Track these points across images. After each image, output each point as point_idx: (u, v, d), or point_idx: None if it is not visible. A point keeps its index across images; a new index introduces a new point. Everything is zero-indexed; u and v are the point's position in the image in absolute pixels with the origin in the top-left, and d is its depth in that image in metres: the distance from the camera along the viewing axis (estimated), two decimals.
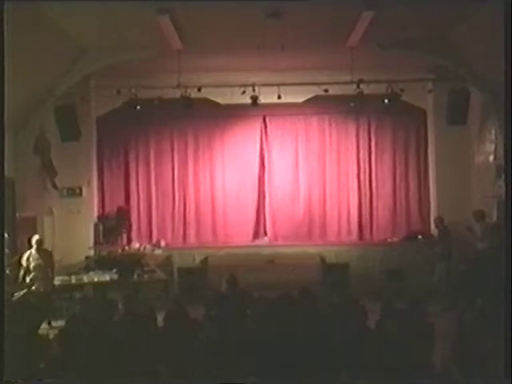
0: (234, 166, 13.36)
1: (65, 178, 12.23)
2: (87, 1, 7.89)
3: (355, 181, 13.28)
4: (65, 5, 8.05)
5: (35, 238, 9.41)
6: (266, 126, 13.37)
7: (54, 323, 9.00)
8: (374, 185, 13.32)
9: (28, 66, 8.87)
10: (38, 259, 9.16)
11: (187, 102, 10.72)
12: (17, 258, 9.29)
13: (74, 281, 9.98)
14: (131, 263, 10.78)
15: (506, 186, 5.73)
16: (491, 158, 11.40)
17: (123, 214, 12.93)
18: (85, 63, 10.50)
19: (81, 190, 12.62)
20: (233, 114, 12.93)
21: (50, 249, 10.02)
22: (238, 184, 13.34)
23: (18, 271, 9.13)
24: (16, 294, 8.55)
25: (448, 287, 10.35)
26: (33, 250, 9.25)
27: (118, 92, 10.76)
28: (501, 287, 5.50)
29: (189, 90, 10.62)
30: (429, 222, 12.83)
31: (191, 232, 13.28)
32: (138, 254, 11.79)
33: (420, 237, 12.51)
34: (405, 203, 13.25)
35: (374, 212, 13.28)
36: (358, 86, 10.51)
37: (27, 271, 9.12)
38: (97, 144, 13.08)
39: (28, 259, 9.17)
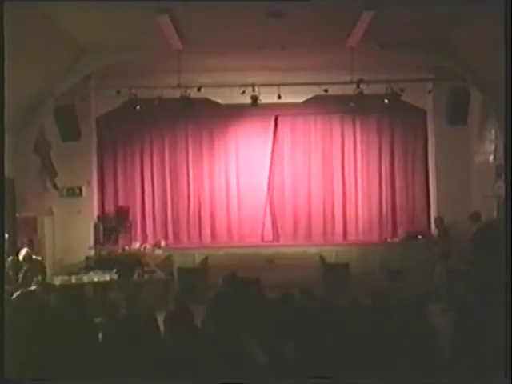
0: (234, 166, 13.39)
1: (65, 178, 12.24)
2: (87, 1, 7.89)
3: (352, 180, 13.33)
4: (65, 5, 8.05)
5: (22, 253, 8.98)
6: (266, 126, 13.37)
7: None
8: (375, 185, 13.34)
9: (28, 66, 8.87)
10: (27, 271, 8.83)
11: (187, 101, 10.73)
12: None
13: (74, 281, 9.97)
14: (131, 263, 10.78)
15: (506, 186, 5.73)
16: (491, 157, 11.39)
17: (123, 213, 12.94)
18: (85, 63, 10.50)
19: (81, 190, 12.62)
20: (233, 114, 12.94)
21: (50, 249, 9.98)
22: (239, 184, 13.36)
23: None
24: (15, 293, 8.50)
25: (448, 287, 10.35)
26: (23, 263, 8.88)
27: (118, 92, 10.77)
28: (501, 287, 5.50)
29: (189, 90, 10.63)
30: (429, 222, 12.84)
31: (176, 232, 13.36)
32: (138, 254, 11.79)
33: (420, 237, 12.51)
34: (405, 203, 13.26)
35: (375, 212, 13.29)
36: (358, 86, 10.51)
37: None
38: (97, 144, 13.09)
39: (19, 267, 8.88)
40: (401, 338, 5.40)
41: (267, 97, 11.05)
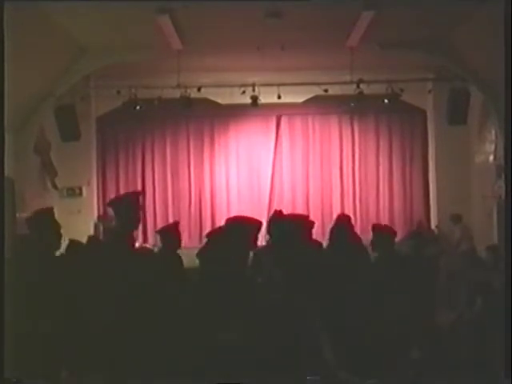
0: (235, 166, 13.39)
1: (65, 177, 12.23)
2: (87, 1, 7.89)
3: (350, 180, 13.34)
4: (65, 5, 8.05)
5: None
6: (266, 126, 13.37)
7: None
8: (374, 185, 13.35)
9: (28, 66, 8.86)
10: None
11: (187, 101, 10.75)
12: None
13: None
14: None
15: (506, 186, 5.73)
16: (491, 158, 11.40)
17: None
18: (85, 63, 10.50)
19: (81, 190, 12.62)
20: (233, 114, 12.95)
21: None
22: (240, 184, 13.36)
23: None
24: None
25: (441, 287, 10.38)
26: None
27: (118, 92, 10.79)
28: (492, 286, 5.52)
29: (189, 90, 10.64)
30: (429, 222, 12.84)
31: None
32: None
33: None
34: (405, 203, 13.26)
35: (373, 211, 13.29)
36: (358, 86, 10.53)
37: None
38: (97, 144, 13.09)
39: None
40: (401, 338, 5.39)
41: (267, 97, 11.07)
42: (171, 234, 6.07)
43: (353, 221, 12.75)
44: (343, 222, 6.17)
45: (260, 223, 4.46)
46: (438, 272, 10.60)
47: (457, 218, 11.32)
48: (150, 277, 4.60)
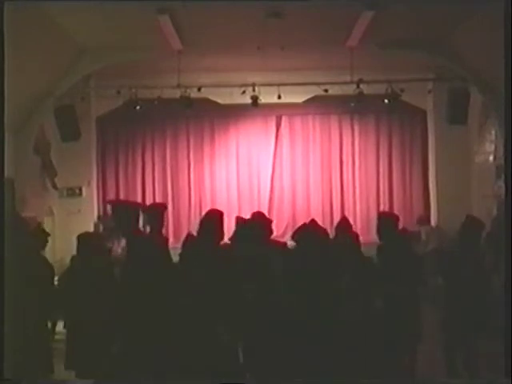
0: (234, 166, 13.39)
1: (65, 177, 12.22)
2: (87, 1, 7.89)
3: (350, 180, 13.33)
4: (65, 5, 8.05)
5: None
6: (266, 127, 13.37)
7: None
8: (374, 185, 13.35)
9: (28, 66, 8.87)
10: None
11: (187, 102, 10.75)
12: None
13: None
14: None
15: (506, 186, 5.73)
16: (491, 158, 11.40)
17: None
18: (85, 63, 10.50)
19: (81, 190, 12.62)
20: (233, 114, 12.95)
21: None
22: (240, 184, 13.36)
23: None
24: None
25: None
26: None
27: (118, 92, 10.80)
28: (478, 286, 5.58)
29: (189, 90, 10.64)
30: (429, 222, 12.83)
31: None
32: None
33: None
34: (405, 203, 13.26)
35: (374, 211, 13.28)
36: (358, 86, 10.53)
37: None
38: (97, 144, 13.09)
39: None
40: (400, 338, 5.39)
41: (267, 97, 11.07)
42: (157, 214, 5.89)
43: (353, 221, 12.82)
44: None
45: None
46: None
47: (423, 220, 11.89)
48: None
